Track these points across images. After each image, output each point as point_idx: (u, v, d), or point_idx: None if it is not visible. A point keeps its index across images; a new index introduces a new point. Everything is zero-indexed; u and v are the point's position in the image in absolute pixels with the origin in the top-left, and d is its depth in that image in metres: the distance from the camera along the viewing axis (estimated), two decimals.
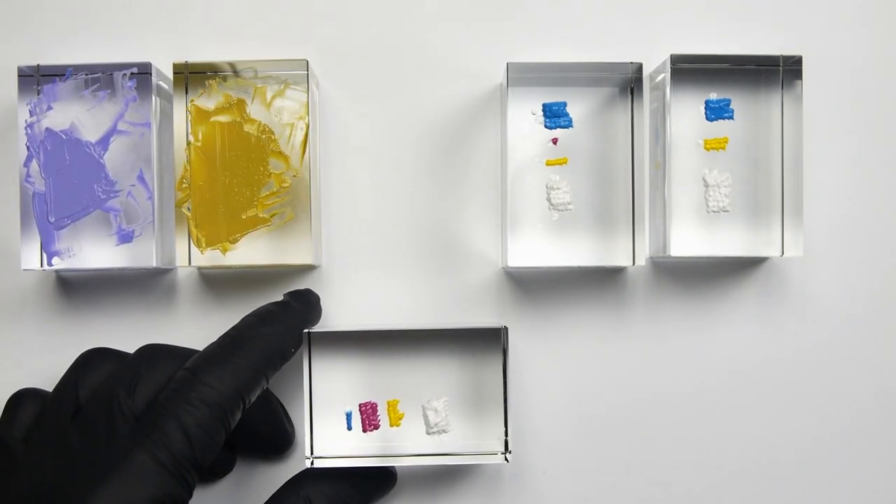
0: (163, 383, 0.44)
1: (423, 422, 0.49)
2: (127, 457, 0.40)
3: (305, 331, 0.48)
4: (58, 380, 0.49)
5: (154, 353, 0.45)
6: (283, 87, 0.49)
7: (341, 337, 0.49)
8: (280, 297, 0.52)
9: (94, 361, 0.46)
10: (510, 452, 0.48)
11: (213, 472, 0.51)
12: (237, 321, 0.50)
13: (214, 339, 0.52)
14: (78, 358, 0.47)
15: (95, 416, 0.42)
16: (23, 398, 0.47)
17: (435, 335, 0.49)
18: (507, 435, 0.48)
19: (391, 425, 0.49)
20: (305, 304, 0.49)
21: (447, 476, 0.53)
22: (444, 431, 0.49)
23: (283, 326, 0.46)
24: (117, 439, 0.40)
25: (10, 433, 0.44)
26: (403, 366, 0.49)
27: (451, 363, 0.49)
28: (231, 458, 0.52)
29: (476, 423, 0.49)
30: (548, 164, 0.50)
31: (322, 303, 0.52)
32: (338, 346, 0.49)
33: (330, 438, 0.48)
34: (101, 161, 0.48)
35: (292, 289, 0.52)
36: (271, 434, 0.50)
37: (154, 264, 0.48)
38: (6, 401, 0.47)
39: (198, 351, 0.47)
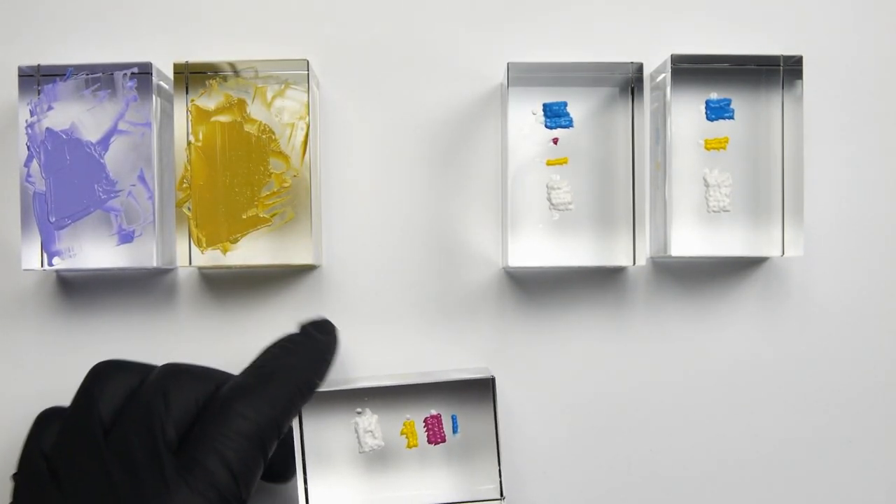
0: (194, 410, 0.42)
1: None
2: (173, 496, 0.38)
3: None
4: (60, 382, 0.49)
5: (180, 374, 0.43)
6: (283, 86, 0.49)
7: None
8: (278, 298, 0.52)
9: (110, 373, 0.44)
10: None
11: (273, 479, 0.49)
12: (240, 321, 0.50)
13: (214, 339, 0.52)
14: (92, 371, 0.44)
15: (133, 446, 0.39)
16: (51, 417, 0.44)
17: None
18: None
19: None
20: (326, 335, 0.48)
21: None
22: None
23: (309, 358, 0.46)
24: (163, 475, 0.39)
25: (40, 451, 0.42)
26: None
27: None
28: (292, 464, 0.48)
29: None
30: (548, 163, 0.50)
31: (322, 303, 0.52)
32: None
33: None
34: (102, 161, 0.48)
35: (297, 291, 0.52)
36: (280, 463, 0.48)
37: (154, 264, 0.48)
38: (35, 418, 0.44)
39: (215, 370, 0.46)
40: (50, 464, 0.41)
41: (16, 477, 0.43)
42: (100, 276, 0.52)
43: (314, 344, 0.47)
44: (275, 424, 0.42)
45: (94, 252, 0.48)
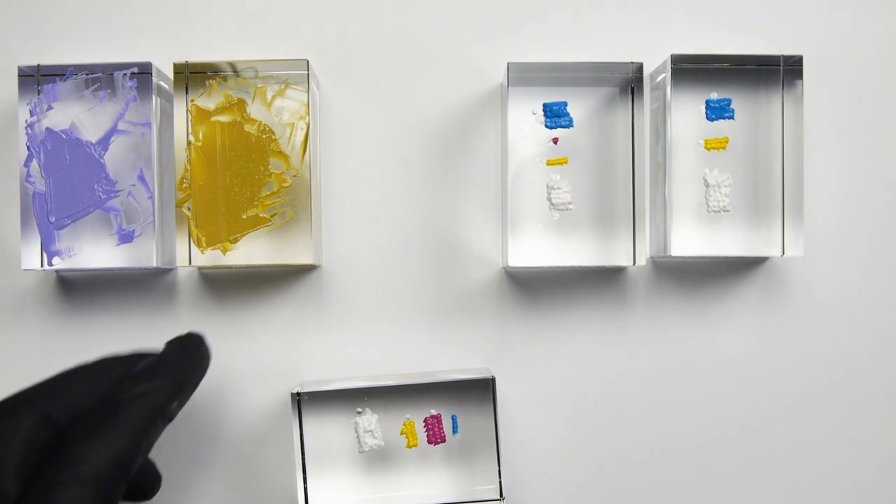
0: (33, 456, 0.38)
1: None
2: None
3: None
4: None
5: (10, 417, 0.39)
6: (283, 86, 0.49)
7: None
8: (278, 298, 0.52)
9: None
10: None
11: (136, 495, 0.45)
12: (240, 321, 0.50)
13: (214, 339, 0.52)
14: None
15: None
16: None
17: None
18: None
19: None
20: (185, 352, 0.44)
21: None
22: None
23: (162, 381, 0.41)
24: None
25: None
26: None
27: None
28: (154, 478, 0.46)
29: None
30: (548, 163, 0.50)
31: (322, 303, 0.52)
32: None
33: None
34: (102, 161, 0.48)
35: (297, 290, 0.52)
36: (141, 478, 0.45)
37: (154, 264, 0.48)
38: None
39: (51, 387, 0.41)
40: None
41: None
42: (100, 276, 0.52)
43: (172, 368, 0.43)
44: (117, 465, 0.38)
45: (94, 252, 0.48)
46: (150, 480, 0.46)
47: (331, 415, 0.49)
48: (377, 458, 0.49)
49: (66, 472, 0.36)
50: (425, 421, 0.49)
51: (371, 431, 0.48)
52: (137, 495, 0.45)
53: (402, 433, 0.49)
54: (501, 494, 0.48)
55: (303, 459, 0.48)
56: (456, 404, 0.49)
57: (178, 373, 0.43)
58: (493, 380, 0.48)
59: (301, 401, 0.47)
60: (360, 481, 0.49)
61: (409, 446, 0.49)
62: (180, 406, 0.42)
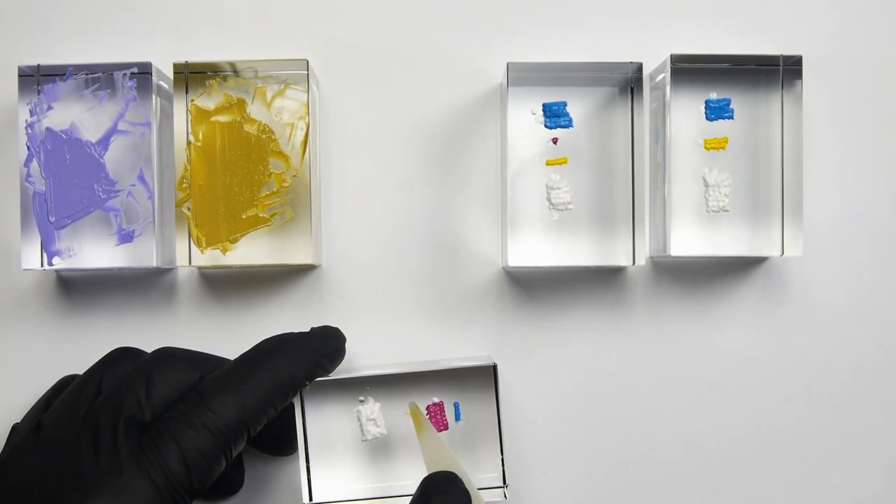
0: (173, 393, 0.43)
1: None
2: (123, 473, 0.40)
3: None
4: (58, 380, 0.50)
5: (167, 359, 0.45)
6: (283, 86, 0.49)
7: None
8: (278, 298, 0.52)
9: (122, 360, 0.46)
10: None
11: (220, 491, 0.51)
12: (240, 321, 0.50)
13: (214, 339, 0.52)
14: (106, 354, 0.47)
15: (102, 420, 0.42)
16: (69, 381, 0.47)
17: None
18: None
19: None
20: (327, 340, 0.48)
21: None
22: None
23: (300, 358, 0.46)
24: (118, 451, 0.40)
25: (43, 406, 0.46)
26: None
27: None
28: (238, 479, 0.51)
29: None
30: (548, 163, 0.50)
31: (322, 302, 0.52)
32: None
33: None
34: (102, 161, 0.48)
35: (297, 290, 0.52)
36: (281, 437, 0.50)
37: (154, 264, 0.48)
38: (55, 382, 0.49)
39: (211, 356, 0.47)
40: (42, 417, 0.44)
41: (16, 425, 0.46)
42: (100, 276, 0.52)
43: (312, 345, 0.47)
44: (242, 423, 0.43)
45: (94, 252, 0.48)
46: (239, 478, 0.51)
47: (333, 404, 0.49)
48: (380, 447, 0.49)
49: (199, 419, 0.42)
50: (428, 409, 0.49)
51: (374, 420, 0.49)
52: (225, 490, 0.51)
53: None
54: (505, 481, 0.48)
55: (306, 449, 0.48)
56: (458, 392, 0.49)
57: (317, 356, 0.47)
58: (494, 367, 0.48)
59: (303, 391, 0.47)
60: (363, 470, 0.49)
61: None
62: (310, 384, 0.46)
